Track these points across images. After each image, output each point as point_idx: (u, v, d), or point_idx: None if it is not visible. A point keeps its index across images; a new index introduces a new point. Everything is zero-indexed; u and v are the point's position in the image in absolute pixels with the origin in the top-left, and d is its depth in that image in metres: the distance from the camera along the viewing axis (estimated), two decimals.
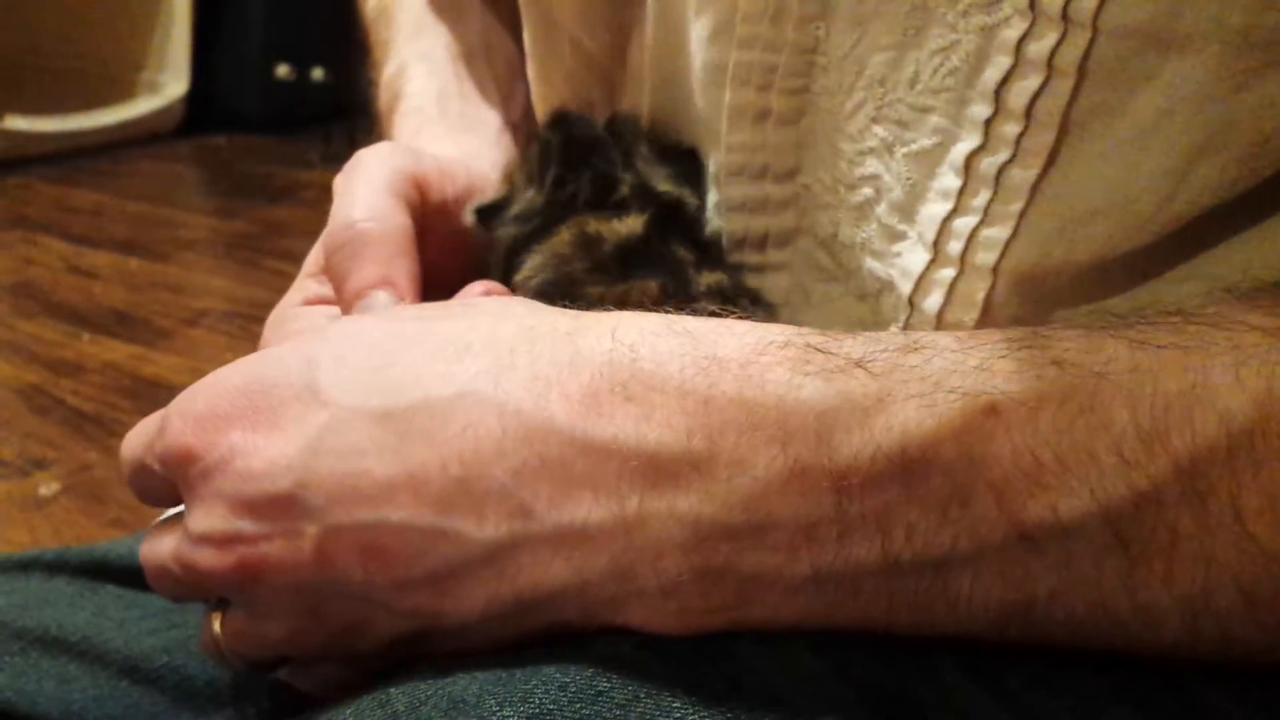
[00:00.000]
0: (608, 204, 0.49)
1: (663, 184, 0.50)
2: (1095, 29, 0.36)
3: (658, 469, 0.32)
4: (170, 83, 3.27)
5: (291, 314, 0.48)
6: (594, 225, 0.47)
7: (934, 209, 0.41)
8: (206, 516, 0.35)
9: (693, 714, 0.31)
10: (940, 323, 0.42)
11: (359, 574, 0.34)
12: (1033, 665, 0.33)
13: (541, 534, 0.33)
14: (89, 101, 3.12)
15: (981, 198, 0.40)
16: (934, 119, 0.40)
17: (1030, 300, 0.40)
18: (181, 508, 0.38)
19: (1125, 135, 0.37)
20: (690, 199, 0.50)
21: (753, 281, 0.49)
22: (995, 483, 0.30)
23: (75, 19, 3.24)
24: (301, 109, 3.42)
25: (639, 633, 0.33)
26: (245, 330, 1.93)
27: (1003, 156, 0.39)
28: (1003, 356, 0.31)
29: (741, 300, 0.47)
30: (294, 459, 0.34)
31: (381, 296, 0.42)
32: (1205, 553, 0.30)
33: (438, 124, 0.58)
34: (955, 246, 0.41)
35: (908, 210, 0.42)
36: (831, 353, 0.33)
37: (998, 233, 0.40)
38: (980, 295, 0.41)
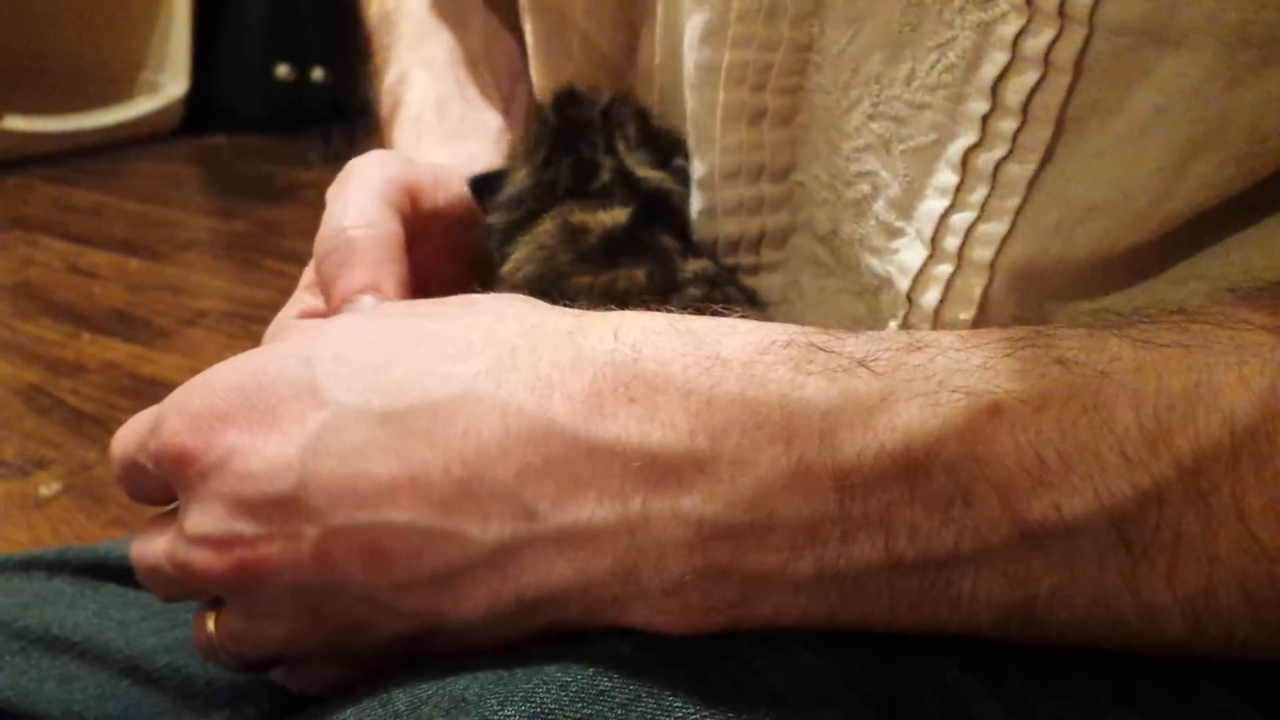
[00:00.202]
0: (588, 191, 0.49)
1: (643, 171, 0.50)
2: (1092, 25, 0.36)
3: (661, 469, 0.32)
4: (170, 83, 3.27)
5: (289, 325, 0.47)
6: (578, 216, 0.47)
7: (931, 205, 0.41)
8: (203, 517, 0.35)
9: (694, 714, 0.31)
10: (937, 319, 0.42)
11: (360, 575, 0.34)
12: (1034, 665, 0.33)
13: (545, 535, 0.32)
14: (89, 101, 3.11)
15: (978, 194, 0.39)
16: (931, 115, 0.40)
17: (1027, 296, 0.40)
18: (174, 505, 0.38)
19: (1122, 131, 0.37)
20: (674, 186, 0.50)
21: (748, 282, 0.49)
22: (998, 482, 0.30)
23: (75, 19, 3.24)
24: (301, 109, 3.41)
25: (640, 632, 0.33)
26: (245, 330, 1.93)
27: (1000, 152, 0.39)
28: (1006, 355, 0.31)
29: (728, 288, 0.47)
30: (294, 460, 0.34)
31: (368, 301, 0.42)
32: (1208, 552, 0.30)
33: (437, 131, 0.58)
34: (952, 242, 0.41)
35: (905, 207, 0.42)
36: (834, 351, 0.33)
37: (995, 228, 0.40)
38: (977, 291, 0.41)
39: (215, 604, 0.38)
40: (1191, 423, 0.30)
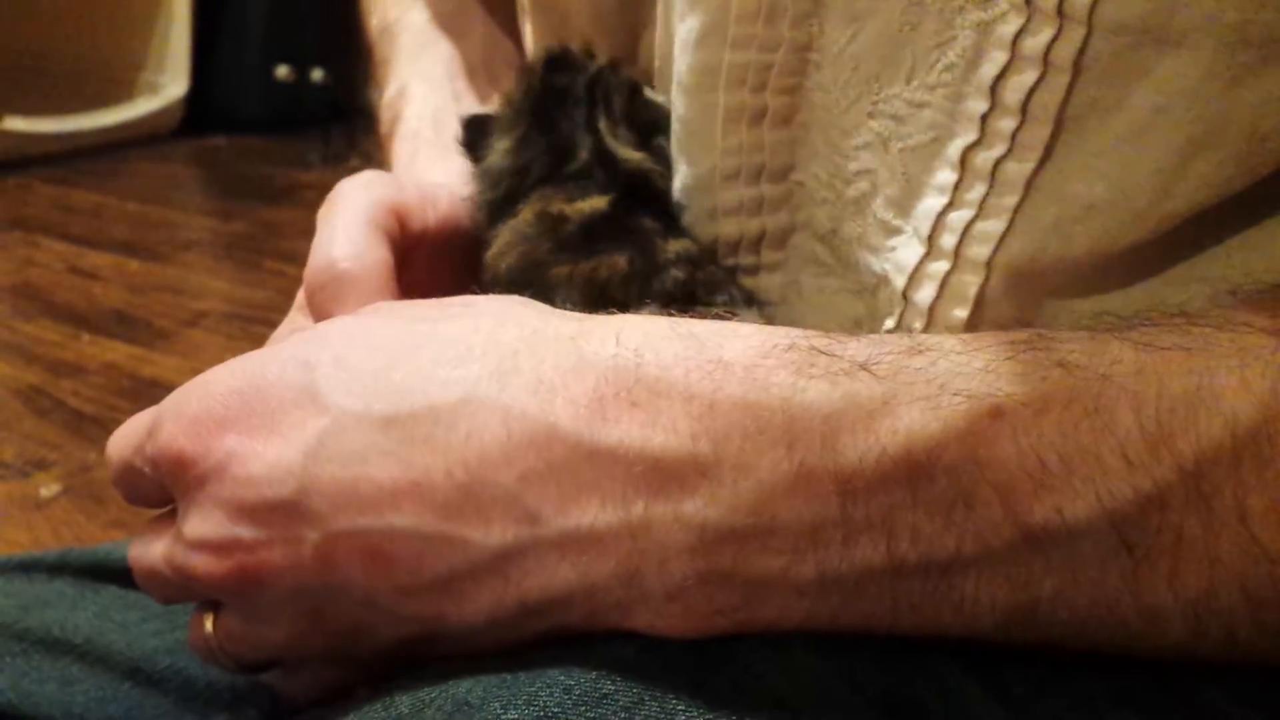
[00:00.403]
0: (564, 174, 0.48)
1: (624, 152, 0.49)
2: (1090, 25, 0.36)
3: (663, 474, 0.32)
4: (170, 84, 3.27)
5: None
6: (556, 205, 0.47)
7: (929, 203, 0.41)
8: (203, 522, 0.35)
9: (698, 717, 0.31)
10: (932, 316, 0.42)
11: (361, 580, 0.34)
12: (1036, 667, 0.33)
13: (547, 539, 0.32)
14: (89, 102, 3.11)
15: (976, 191, 0.40)
16: (930, 114, 0.40)
17: (1024, 295, 0.40)
18: (171, 507, 0.38)
19: (1121, 131, 0.37)
20: (654, 166, 0.49)
21: (747, 282, 0.49)
22: (1000, 485, 0.30)
23: (75, 20, 3.24)
24: (301, 110, 3.41)
25: (644, 635, 0.33)
26: (245, 331, 1.93)
27: (998, 151, 0.39)
28: (1007, 359, 0.31)
29: (711, 268, 0.47)
30: (295, 465, 0.34)
31: None
32: (1210, 555, 0.30)
33: (434, 145, 0.58)
34: (949, 240, 0.41)
35: (903, 205, 0.42)
36: (836, 355, 0.33)
37: (992, 226, 0.40)
38: (973, 289, 0.41)
39: (213, 605, 0.38)
40: (1193, 425, 0.30)
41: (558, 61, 0.51)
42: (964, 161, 0.39)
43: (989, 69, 0.38)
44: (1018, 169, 0.39)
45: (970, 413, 0.31)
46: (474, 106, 0.61)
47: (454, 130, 0.54)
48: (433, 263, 0.49)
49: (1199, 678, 0.33)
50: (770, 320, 0.47)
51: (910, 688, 0.33)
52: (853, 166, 0.43)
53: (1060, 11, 0.36)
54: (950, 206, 0.40)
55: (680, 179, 0.49)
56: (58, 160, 2.94)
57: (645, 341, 0.34)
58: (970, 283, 0.41)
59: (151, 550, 0.38)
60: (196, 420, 0.35)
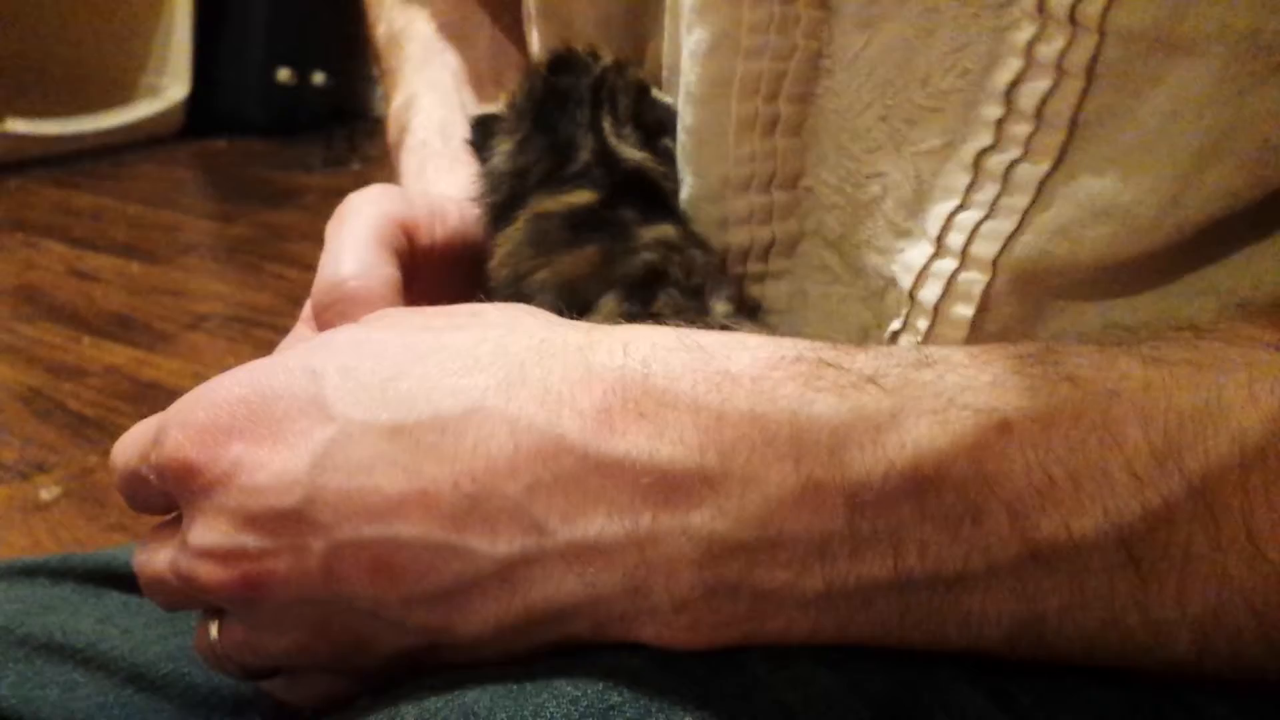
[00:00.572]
0: (563, 176, 0.48)
1: (627, 151, 0.49)
2: (1102, 32, 0.36)
3: (671, 485, 0.32)
4: (171, 86, 3.27)
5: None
6: (545, 204, 0.47)
7: (941, 205, 0.41)
8: (208, 531, 0.35)
9: None
10: (938, 315, 0.42)
11: (367, 590, 0.34)
12: (1044, 681, 0.33)
13: (554, 550, 0.32)
14: (90, 104, 3.11)
15: (988, 192, 0.40)
16: (944, 118, 0.40)
17: (1030, 296, 0.40)
18: (176, 514, 0.38)
19: (1133, 138, 0.37)
20: (655, 165, 0.49)
21: (753, 290, 0.49)
22: (1008, 500, 0.30)
23: (76, 22, 3.24)
24: (302, 113, 3.41)
25: (650, 646, 0.33)
26: (246, 334, 1.93)
27: (1013, 154, 0.39)
28: (1015, 373, 0.31)
29: (691, 251, 0.47)
30: (301, 474, 0.34)
31: None
32: (1217, 571, 0.30)
33: (442, 156, 0.58)
34: (957, 239, 0.41)
35: (915, 207, 0.42)
36: (844, 368, 0.33)
37: (1001, 226, 0.40)
38: (978, 288, 0.41)
39: (218, 612, 0.38)
40: (1201, 441, 0.30)
41: (562, 62, 0.51)
42: (977, 164, 0.40)
43: (1004, 74, 0.38)
44: (1031, 171, 0.39)
45: (978, 427, 0.30)
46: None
47: (462, 140, 0.54)
48: (441, 276, 0.49)
49: (1207, 692, 0.33)
50: (772, 330, 0.47)
51: (916, 698, 0.33)
52: (864, 170, 0.44)
53: (1072, 19, 0.36)
54: (961, 207, 0.41)
55: (687, 189, 0.49)
56: (59, 162, 2.94)
57: (653, 353, 0.34)
58: (976, 281, 0.41)
59: (156, 558, 0.38)
60: (203, 429, 0.35)
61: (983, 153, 0.40)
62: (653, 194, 0.49)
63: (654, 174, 0.49)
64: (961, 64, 0.39)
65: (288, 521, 0.34)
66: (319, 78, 3.43)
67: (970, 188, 0.40)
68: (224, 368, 0.38)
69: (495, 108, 0.52)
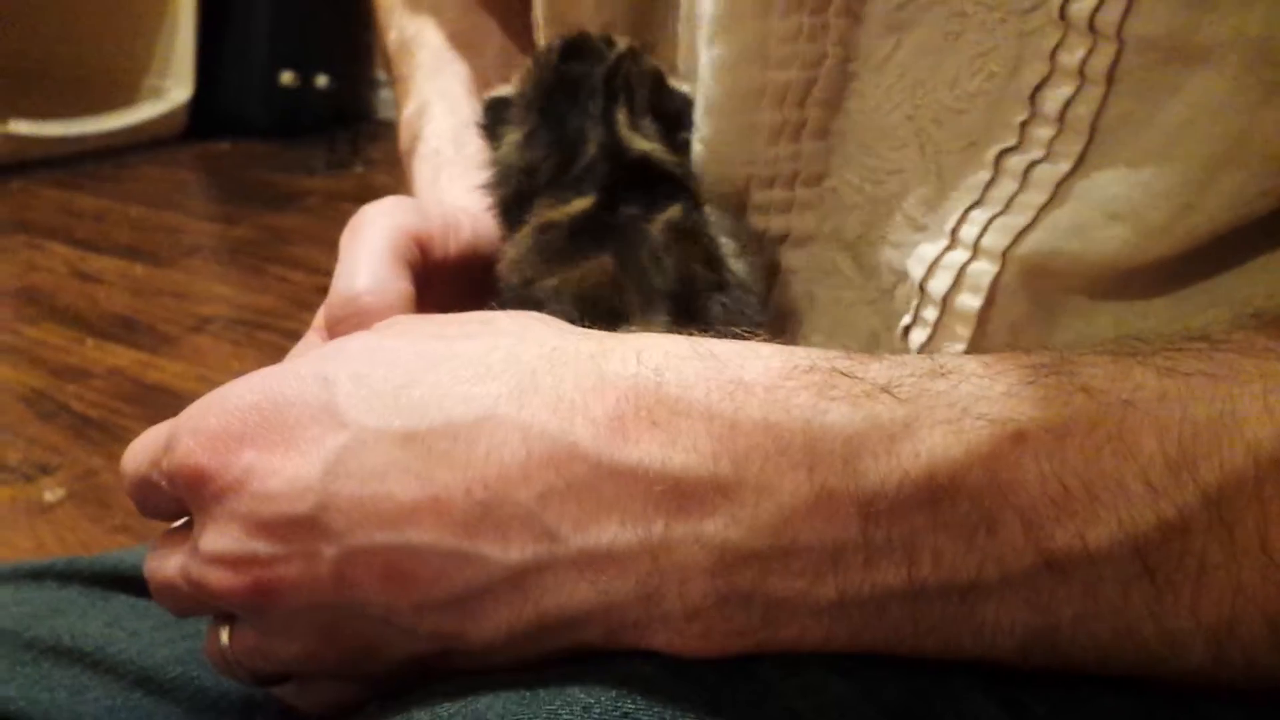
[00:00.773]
0: (571, 176, 0.47)
1: (639, 142, 0.47)
2: (1121, 40, 0.36)
3: (684, 494, 0.32)
4: (174, 88, 3.27)
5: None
6: (550, 213, 0.46)
7: (958, 201, 0.42)
8: (220, 537, 0.35)
9: None
10: (946, 306, 0.42)
11: (379, 596, 0.34)
12: (1058, 690, 0.33)
13: (566, 557, 0.32)
14: (93, 106, 3.11)
15: (1005, 189, 0.40)
16: (969, 120, 0.41)
17: (1040, 296, 0.41)
18: (184, 520, 0.38)
19: (1151, 144, 0.37)
20: (666, 155, 0.48)
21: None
22: (1022, 510, 0.30)
23: (80, 24, 3.24)
24: (305, 115, 3.42)
25: (663, 653, 0.33)
26: (250, 337, 1.93)
27: (1034, 155, 0.40)
28: (1030, 383, 0.31)
29: (705, 239, 0.46)
30: (313, 481, 0.34)
31: None
32: (1232, 582, 0.30)
33: (455, 164, 0.58)
34: (970, 232, 0.41)
35: (934, 203, 0.43)
36: (857, 377, 0.33)
37: (1014, 221, 0.40)
38: (986, 279, 0.41)
39: (229, 618, 0.38)
40: (1216, 452, 0.30)
41: (573, 48, 0.49)
42: (998, 163, 0.41)
43: (1028, 78, 0.39)
44: (1050, 171, 0.39)
45: (993, 437, 0.31)
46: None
47: (474, 149, 0.54)
48: (453, 289, 0.49)
49: (1221, 701, 0.33)
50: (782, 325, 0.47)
51: (929, 707, 0.33)
52: (886, 166, 0.44)
53: (1091, 27, 0.37)
54: (978, 203, 0.41)
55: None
56: (62, 164, 2.95)
57: (666, 361, 0.34)
58: (985, 272, 0.41)
59: (167, 564, 0.38)
60: (215, 435, 0.35)
61: (1004, 152, 0.40)
62: (656, 180, 0.47)
63: (661, 163, 0.47)
64: (988, 67, 0.40)
65: (300, 528, 0.34)
66: (322, 80, 3.44)
67: (989, 185, 0.41)
68: (228, 370, 0.38)
69: (507, 90, 0.51)
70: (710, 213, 0.47)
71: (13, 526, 1.38)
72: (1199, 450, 0.30)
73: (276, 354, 0.46)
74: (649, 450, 0.32)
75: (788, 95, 0.45)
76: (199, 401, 0.37)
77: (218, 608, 0.38)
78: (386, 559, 0.33)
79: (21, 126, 2.87)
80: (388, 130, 3.43)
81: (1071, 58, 0.38)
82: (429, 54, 0.66)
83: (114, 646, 0.49)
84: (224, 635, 0.38)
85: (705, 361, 0.34)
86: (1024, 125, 0.40)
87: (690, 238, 0.46)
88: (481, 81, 0.64)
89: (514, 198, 0.49)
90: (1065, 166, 0.39)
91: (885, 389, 0.32)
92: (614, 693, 0.32)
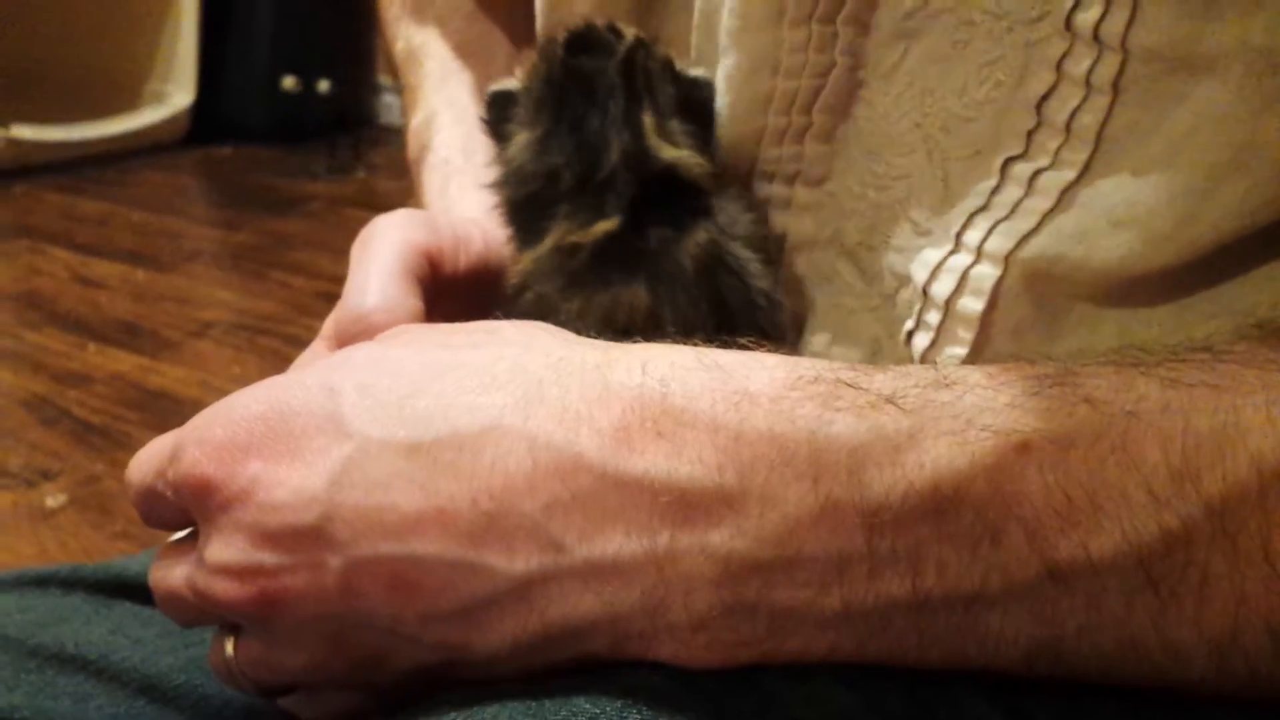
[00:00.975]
0: (594, 185, 0.45)
1: (667, 150, 0.46)
2: (1125, 51, 0.37)
3: (689, 504, 0.32)
4: (176, 93, 3.28)
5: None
6: (572, 234, 0.45)
7: (964, 207, 0.42)
8: (225, 548, 0.35)
9: None
10: (948, 310, 0.42)
11: (384, 607, 0.34)
12: (1061, 700, 0.33)
13: (572, 568, 0.32)
14: (95, 111, 3.12)
15: (1011, 195, 0.41)
16: (976, 127, 0.41)
17: (1042, 297, 0.41)
18: (189, 530, 0.38)
19: (1155, 153, 0.38)
20: (694, 163, 0.46)
21: None
22: (1026, 521, 0.30)
23: (82, 29, 3.25)
24: (307, 120, 3.42)
25: (669, 664, 0.33)
26: (251, 342, 1.93)
27: (1041, 163, 0.40)
28: (1034, 394, 0.32)
29: (732, 265, 0.45)
30: (319, 491, 0.34)
31: None
32: (1235, 592, 0.30)
33: (465, 174, 0.58)
34: (974, 236, 0.42)
35: (939, 209, 0.43)
36: (862, 388, 0.33)
37: (1018, 225, 0.41)
38: (989, 283, 0.41)
39: (234, 628, 0.38)
40: (1219, 463, 0.30)
41: (579, 40, 0.47)
42: (1004, 170, 0.41)
43: (1036, 87, 0.39)
44: (1055, 178, 0.40)
45: (997, 448, 0.31)
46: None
47: (483, 158, 0.54)
48: (464, 301, 0.49)
49: (1223, 710, 0.33)
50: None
51: (934, 716, 0.33)
52: (891, 172, 0.45)
53: (1096, 38, 0.37)
54: (984, 209, 0.42)
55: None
56: (64, 169, 2.95)
57: (671, 371, 0.34)
58: (988, 275, 0.42)
59: (173, 574, 0.38)
60: (220, 445, 0.35)
61: (1011, 160, 0.41)
62: (682, 193, 0.46)
63: (689, 173, 0.46)
64: (995, 76, 0.40)
65: (305, 538, 0.34)
66: (324, 85, 3.44)
67: (995, 191, 0.41)
68: (229, 375, 0.38)
69: (511, 84, 0.49)
70: (726, 207, 0.46)
71: (15, 532, 1.38)
72: (1202, 461, 0.30)
73: (278, 359, 0.46)
74: (654, 461, 0.32)
75: (795, 101, 0.46)
76: (204, 411, 0.37)
77: (223, 618, 0.38)
78: (392, 569, 0.33)
79: (24, 131, 2.88)
80: (390, 135, 3.43)
81: (1078, 67, 0.38)
82: (436, 64, 0.66)
83: (118, 654, 0.49)
84: (229, 646, 0.38)
85: (710, 372, 0.34)
86: (1031, 134, 0.40)
87: (720, 263, 0.45)
88: None
89: (527, 201, 0.48)
90: (1071, 174, 0.39)
91: (890, 400, 0.32)
92: (620, 703, 0.32)
